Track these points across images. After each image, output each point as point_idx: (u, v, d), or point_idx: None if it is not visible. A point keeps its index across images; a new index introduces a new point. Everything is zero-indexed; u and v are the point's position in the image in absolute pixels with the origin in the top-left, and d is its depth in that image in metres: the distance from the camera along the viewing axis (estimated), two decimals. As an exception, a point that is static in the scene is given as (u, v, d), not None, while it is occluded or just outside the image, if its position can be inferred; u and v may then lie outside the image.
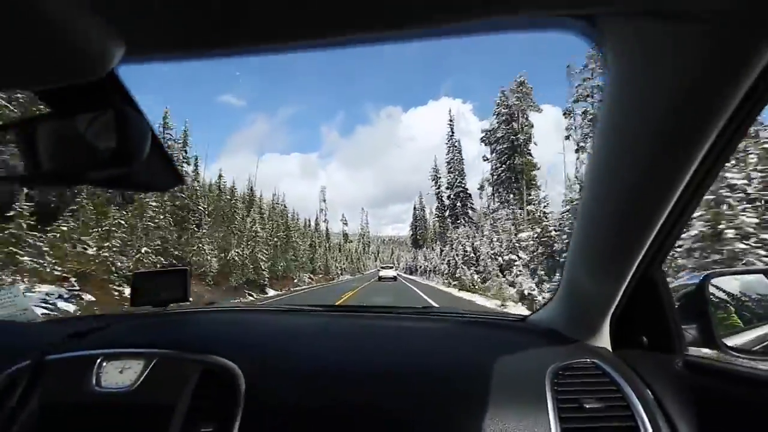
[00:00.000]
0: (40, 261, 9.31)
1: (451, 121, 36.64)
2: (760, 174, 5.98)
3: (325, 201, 67.91)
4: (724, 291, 0.90)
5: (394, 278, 28.52)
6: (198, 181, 21.18)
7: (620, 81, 0.45)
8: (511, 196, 25.96)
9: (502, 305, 12.54)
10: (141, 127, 0.33)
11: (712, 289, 0.80)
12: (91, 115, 0.33)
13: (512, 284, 15.15)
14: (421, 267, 41.38)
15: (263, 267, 21.15)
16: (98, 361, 0.81)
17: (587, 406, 0.67)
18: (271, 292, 20.70)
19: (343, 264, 59.15)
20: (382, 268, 32.81)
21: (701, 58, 0.38)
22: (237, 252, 19.11)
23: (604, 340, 0.82)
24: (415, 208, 65.32)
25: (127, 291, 3.83)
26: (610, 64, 0.44)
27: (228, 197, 23.94)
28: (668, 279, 0.76)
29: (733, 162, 5.90)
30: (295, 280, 27.53)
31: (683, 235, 5.44)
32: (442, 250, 30.92)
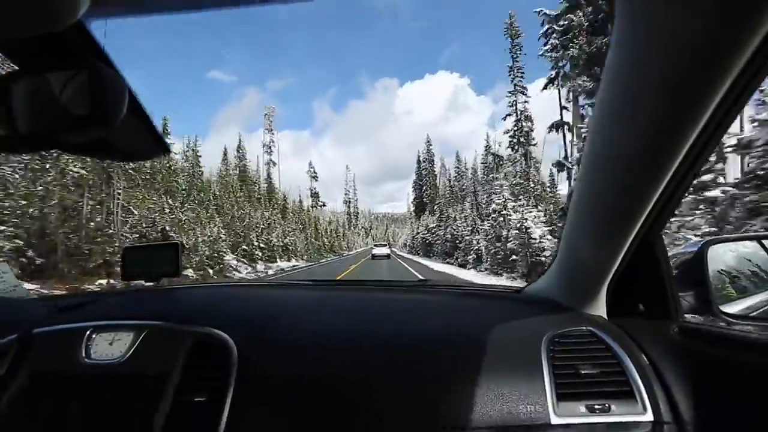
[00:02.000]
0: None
1: None
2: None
3: (272, 131, 40.71)
4: (722, 258, 0.90)
5: (388, 256, 29.12)
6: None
7: (624, 40, 0.43)
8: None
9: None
10: (116, 84, 0.31)
11: (710, 257, 0.79)
12: (63, 73, 0.30)
13: None
14: (470, 246, 17.82)
15: None
16: (87, 333, 0.80)
17: (583, 372, 0.67)
18: None
19: (293, 238, 30.17)
20: (376, 246, 33.74)
21: (709, 12, 0.36)
22: None
23: (601, 308, 0.81)
24: (419, 160, 47.63)
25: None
26: (616, 19, 0.42)
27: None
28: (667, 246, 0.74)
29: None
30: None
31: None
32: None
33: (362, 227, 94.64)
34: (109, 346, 0.78)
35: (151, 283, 1.16)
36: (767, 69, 0.41)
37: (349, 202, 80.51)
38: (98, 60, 0.31)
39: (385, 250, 29.79)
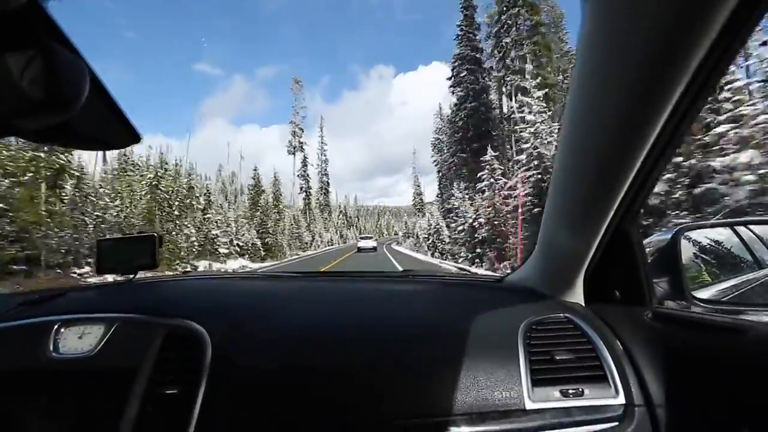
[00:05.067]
0: None
1: None
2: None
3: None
4: (695, 244, 0.91)
5: (374, 248, 29.15)
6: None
7: (594, 36, 0.45)
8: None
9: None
10: (75, 67, 0.29)
11: (683, 243, 0.80)
12: (17, 55, 0.29)
13: None
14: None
15: None
16: (55, 327, 0.77)
17: (558, 358, 0.68)
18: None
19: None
20: (362, 238, 33.19)
21: (673, 11, 0.38)
22: None
23: (578, 295, 0.83)
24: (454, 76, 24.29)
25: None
26: (587, 16, 0.43)
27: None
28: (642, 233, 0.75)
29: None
30: None
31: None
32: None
33: (342, 214, 67.01)
34: (79, 340, 0.76)
35: (124, 277, 1.12)
36: (724, 64, 0.44)
37: (301, 147, 37.66)
38: (55, 41, 0.29)
39: (371, 243, 29.79)
